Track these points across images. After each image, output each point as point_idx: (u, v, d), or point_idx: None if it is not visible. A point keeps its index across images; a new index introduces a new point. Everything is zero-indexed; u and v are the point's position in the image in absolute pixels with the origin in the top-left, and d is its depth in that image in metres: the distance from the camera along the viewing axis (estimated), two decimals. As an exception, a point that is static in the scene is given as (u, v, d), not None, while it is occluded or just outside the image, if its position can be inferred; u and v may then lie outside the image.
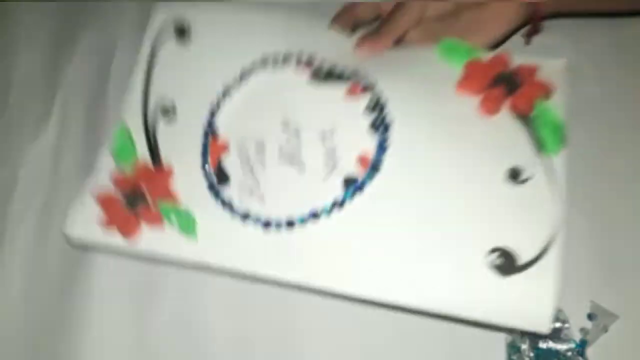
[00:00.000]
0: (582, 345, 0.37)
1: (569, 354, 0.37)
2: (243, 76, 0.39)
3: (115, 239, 0.37)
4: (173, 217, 0.36)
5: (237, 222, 0.35)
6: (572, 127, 0.38)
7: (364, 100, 0.36)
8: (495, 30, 0.41)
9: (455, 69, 0.37)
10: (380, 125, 0.35)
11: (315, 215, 0.33)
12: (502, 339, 0.38)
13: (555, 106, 0.36)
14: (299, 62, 0.38)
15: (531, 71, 0.37)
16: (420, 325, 0.38)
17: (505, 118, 0.35)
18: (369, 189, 0.33)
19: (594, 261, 0.40)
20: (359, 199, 0.33)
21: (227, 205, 0.35)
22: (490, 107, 0.35)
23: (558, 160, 0.34)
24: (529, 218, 0.32)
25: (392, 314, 0.37)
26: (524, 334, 0.37)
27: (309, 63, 0.38)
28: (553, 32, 0.46)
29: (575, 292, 0.38)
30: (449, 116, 0.36)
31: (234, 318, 0.41)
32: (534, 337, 0.37)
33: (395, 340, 0.39)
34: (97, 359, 0.43)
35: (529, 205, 0.33)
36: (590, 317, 0.38)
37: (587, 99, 0.44)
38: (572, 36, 0.47)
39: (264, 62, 0.39)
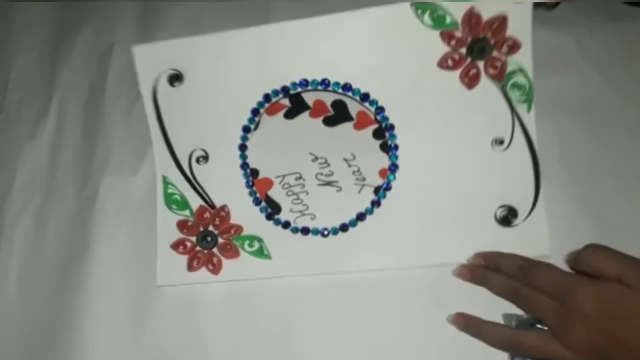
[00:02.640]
0: None
1: None
2: (254, 113, 0.48)
3: (203, 277, 0.45)
4: (247, 246, 0.45)
5: (299, 237, 0.45)
6: (573, 127, 0.44)
7: (369, 130, 0.48)
8: None
9: (433, 34, 0.43)
10: (387, 130, 0.46)
11: (361, 216, 0.45)
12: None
13: (523, 61, 0.42)
14: (310, 111, 0.49)
15: (501, 25, 0.41)
16: (426, 329, 0.42)
17: (484, 86, 0.42)
18: (395, 185, 0.45)
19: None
20: (390, 194, 0.45)
21: (287, 225, 0.45)
22: (470, 81, 0.43)
23: (530, 118, 0.42)
24: (519, 177, 0.41)
25: (398, 314, 0.42)
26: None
27: (317, 110, 0.49)
28: (556, 31, 0.46)
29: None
30: (438, 96, 0.43)
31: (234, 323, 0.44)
32: None
33: (401, 337, 0.42)
34: (96, 357, 0.45)
35: (515, 166, 0.41)
36: None
37: (588, 99, 0.45)
38: (575, 37, 0.47)
39: (267, 99, 0.48)
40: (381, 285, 0.43)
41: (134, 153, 0.52)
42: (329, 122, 0.49)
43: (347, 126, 0.49)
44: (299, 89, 0.47)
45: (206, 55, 0.46)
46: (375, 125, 0.48)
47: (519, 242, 0.41)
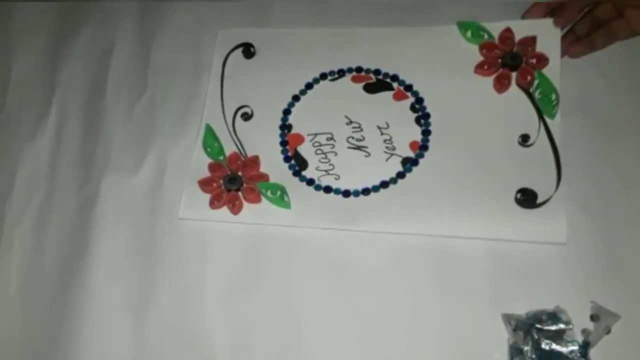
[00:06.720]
0: (585, 346, 0.37)
1: (572, 355, 0.36)
2: (308, 87, 0.51)
3: (222, 215, 0.46)
4: (269, 193, 0.46)
5: (321, 193, 0.46)
6: (574, 127, 0.44)
7: (407, 102, 0.48)
8: None
9: (473, 48, 0.48)
10: (422, 118, 0.47)
11: (384, 184, 0.45)
12: (504, 340, 0.39)
13: (551, 74, 0.45)
14: (353, 75, 0.50)
15: (531, 42, 0.47)
16: (428, 331, 0.41)
17: (514, 93, 0.46)
18: (422, 162, 0.45)
19: (596, 262, 0.40)
20: (416, 170, 0.45)
21: (311, 182, 0.46)
22: (501, 87, 0.46)
23: (555, 123, 0.44)
24: (541, 170, 0.43)
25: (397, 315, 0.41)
26: (526, 335, 0.37)
27: (360, 77, 0.50)
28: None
29: (576, 293, 0.39)
30: (472, 97, 0.47)
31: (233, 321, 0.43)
32: (536, 339, 0.37)
33: (407, 337, 0.41)
34: (96, 357, 0.44)
35: (538, 161, 0.43)
36: (592, 318, 0.37)
37: (588, 99, 0.45)
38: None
39: (323, 77, 0.51)
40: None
41: (134, 153, 0.51)
42: (370, 89, 0.50)
43: (387, 95, 0.49)
44: (354, 73, 0.51)
45: (278, 40, 0.54)
46: (414, 99, 0.48)
47: (537, 225, 0.41)
